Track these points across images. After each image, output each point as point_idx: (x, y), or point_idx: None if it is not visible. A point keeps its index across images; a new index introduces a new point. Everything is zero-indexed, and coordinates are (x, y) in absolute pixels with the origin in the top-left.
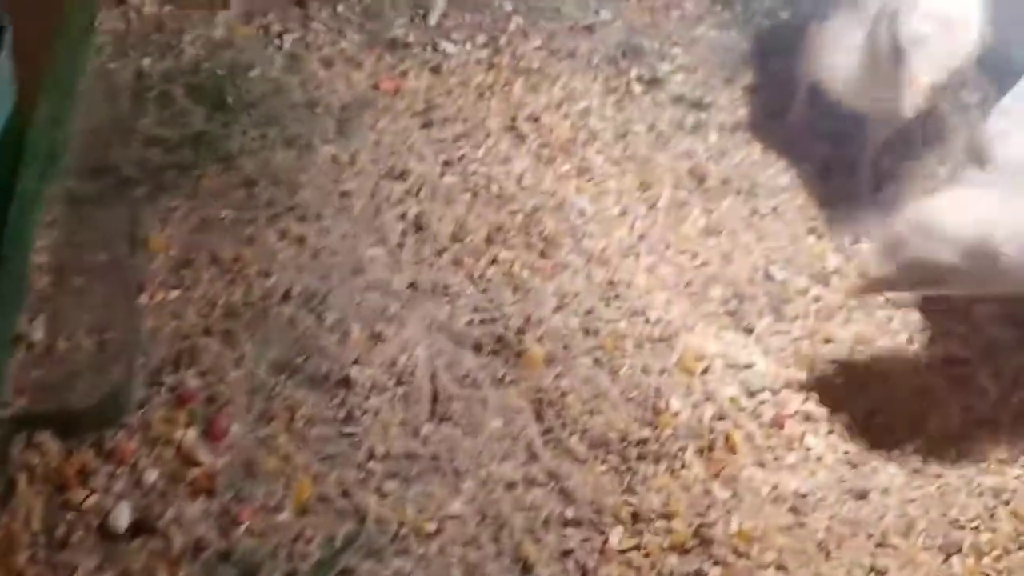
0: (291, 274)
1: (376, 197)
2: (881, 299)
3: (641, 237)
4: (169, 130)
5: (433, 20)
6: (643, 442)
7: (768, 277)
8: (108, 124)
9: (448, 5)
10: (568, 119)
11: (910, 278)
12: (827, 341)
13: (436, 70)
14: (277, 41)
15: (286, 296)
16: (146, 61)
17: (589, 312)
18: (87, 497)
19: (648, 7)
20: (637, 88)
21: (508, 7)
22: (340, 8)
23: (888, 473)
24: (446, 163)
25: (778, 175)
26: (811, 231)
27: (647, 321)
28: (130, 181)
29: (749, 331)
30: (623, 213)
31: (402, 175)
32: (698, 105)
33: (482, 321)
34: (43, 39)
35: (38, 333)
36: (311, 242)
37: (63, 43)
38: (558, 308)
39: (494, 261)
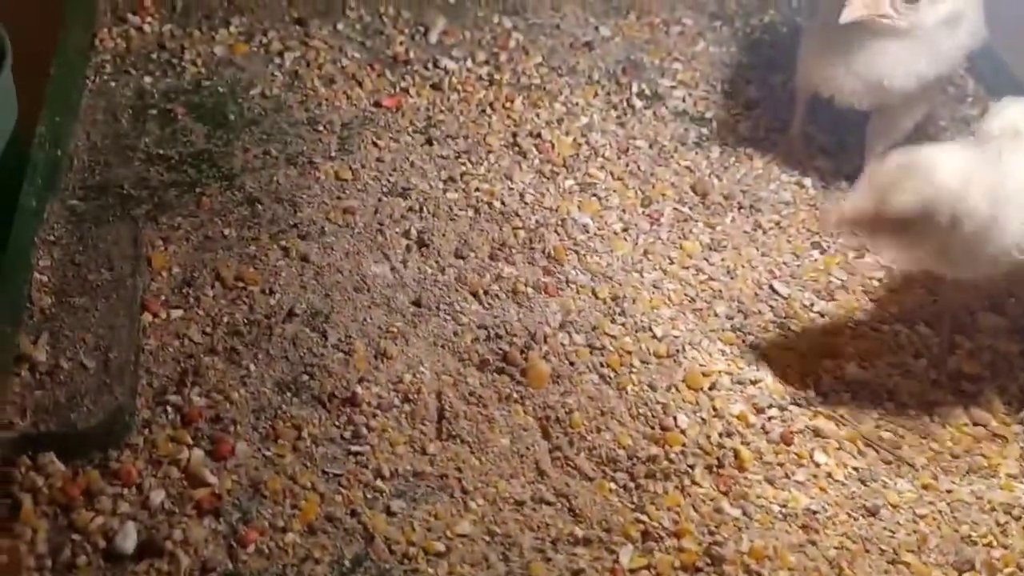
0: (295, 292)
1: (379, 214)
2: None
3: (645, 253)
4: (171, 148)
5: (433, 37)
6: (652, 459)
7: (773, 292)
8: (109, 142)
9: (448, 22)
10: (570, 135)
11: (888, 221)
12: (834, 356)
13: (437, 87)
14: (278, 59)
15: (290, 314)
16: (147, 79)
17: (594, 328)
18: (93, 519)
19: (647, 23)
20: (638, 103)
21: (508, 24)
22: (340, 26)
23: (898, 489)
24: (448, 180)
25: (781, 189)
26: (815, 245)
27: (653, 337)
28: (132, 199)
29: (755, 347)
30: (626, 229)
31: (404, 192)
32: (699, 120)
33: (487, 338)
34: (44, 58)
35: (41, 353)
36: (314, 260)
37: (63, 62)
38: (563, 325)
39: (498, 278)
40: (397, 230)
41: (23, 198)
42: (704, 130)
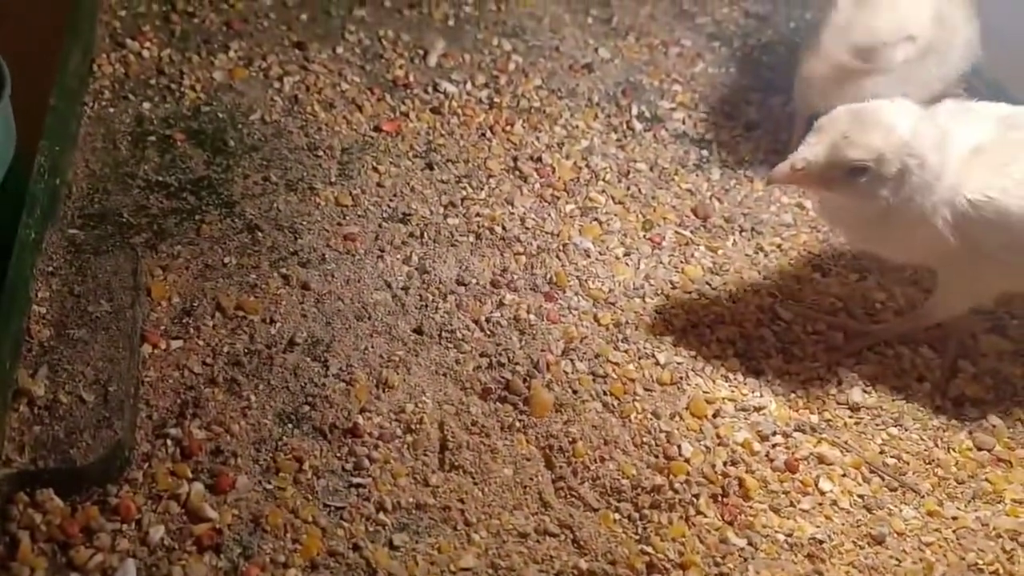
0: (295, 321)
1: (380, 240)
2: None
3: (647, 278)
4: (170, 175)
5: (433, 60)
6: (656, 489)
7: (776, 317)
8: (108, 170)
9: (448, 45)
10: (570, 158)
11: (839, 173)
12: (837, 382)
13: (437, 110)
14: (277, 84)
15: (291, 343)
16: (146, 105)
17: (597, 356)
18: (92, 556)
19: (646, 44)
20: (638, 126)
21: (507, 46)
22: (340, 49)
23: (904, 516)
24: (449, 205)
25: (782, 212)
26: (816, 268)
27: (656, 364)
28: (131, 227)
29: (758, 373)
30: (628, 253)
31: (405, 218)
32: (700, 142)
33: (489, 366)
34: (43, 84)
35: (39, 387)
36: (315, 288)
37: (63, 90)
38: (566, 352)
39: (500, 304)
40: (398, 256)
41: (22, 230)
42: (704, 152)
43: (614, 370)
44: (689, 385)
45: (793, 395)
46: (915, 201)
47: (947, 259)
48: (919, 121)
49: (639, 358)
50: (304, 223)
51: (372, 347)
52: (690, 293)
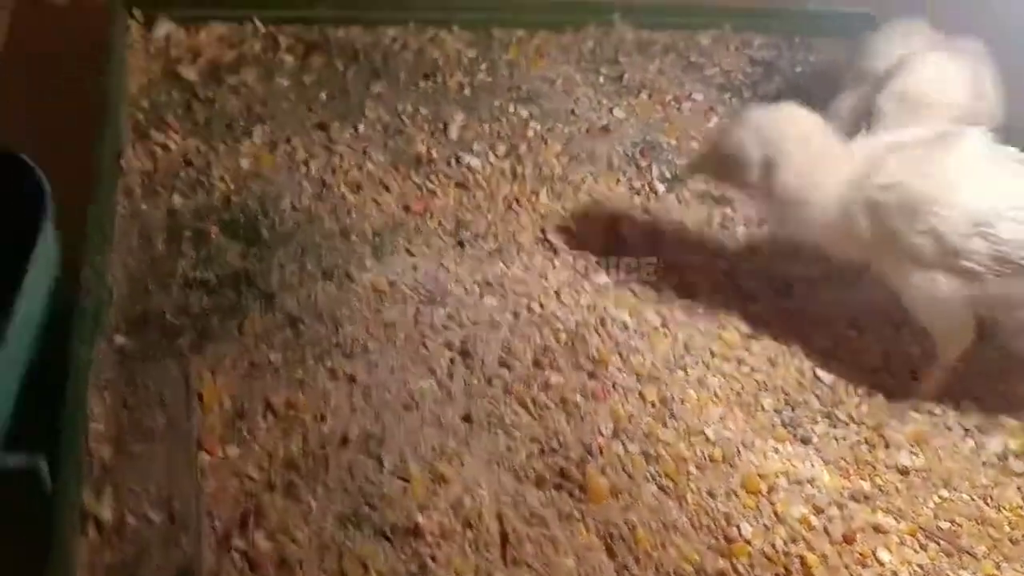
0: (345, 416)
1: (419, 325)
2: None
3: (686, 347)
4: (208, 271)
5: (454, 133)
6: (720, 574)
7: (817, 379)
8: (146, 268)
9: (466, 116)
10: (598, 225)
11: (720, 161)
12: (885, 445)
13: (462, 185)
14: (304, 168)
15: (344, 441)
16: (177, 199)
17: (647, 435)
18: None
19: (659, 101)
20: (660, 187)
21: (524, 113)
22: (361, 128)
23: None
24: (484, 283)
25: (810, 267)
26: (851, 325)
27: (707, 440)
28: (175, 330)
29: (806, 441)
30: (664, 324)
31: (442, 300)
32: (722, 201)
33: (541, 452)
34: (74, 187)
35: (106, 510)
36: (361, 379)
37: (99, 194)
38: (616, 433)
39: (545, 386)
40: (439, 341)
41: (75, 347)
42: (727, 210)
43: (665, 450)
44: (740, 460)
45: (843, 461)
46: (797, 192)
47: (889, 266)
48: (795, 124)
49: (688, 435)
50: (344, 312)
51: (424, 439)
52: (730, 361)
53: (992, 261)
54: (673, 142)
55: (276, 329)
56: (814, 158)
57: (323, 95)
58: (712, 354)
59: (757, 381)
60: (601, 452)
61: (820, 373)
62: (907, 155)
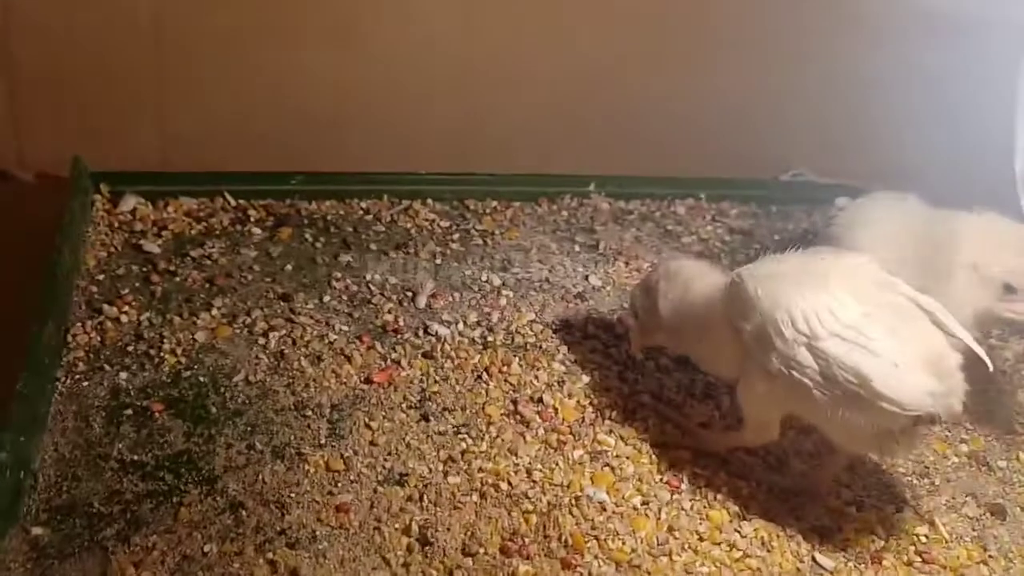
0: None
1: (375, 508)
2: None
3: (670, 529)
4: (146, 453)
5: (422, 302)
6: None
7: (816, 565)
8: (79, 452)
9: (436, 285)
10: (572, 397)
11: (649, 326)
12: None
13: (429, 355)
14: (262, 340)
15: None
16: (122, 375)
17: None
18: None
19: (636, 268)
20: (638, 355)
21: (496, 281)
22: (326, 298)
23: None
24: (448, 460)
25: (800, 438)
26: (850, 502)
27: None
28: (101, 519)
29: None
30: (646, 502)
31: (402, 479)
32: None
33: None
34: (9, 365)
35: None
36: (305, 574)
37: (31, 372)
38: None
39: None
40: (396, 526)
41: None
42: (709, 377)
43: None
44: None
45: None
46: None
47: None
48: (676, 273)
49: None
50: (292, 495)
51: None
52: (719, 544)
53: (818, 376)
54: None
55: (215, 515)
56: (685, 282)
57: (289, 266)
58: (700, 537)
59: (751, 568)
60: None
61: (820, 558)
62: (782, 259)
